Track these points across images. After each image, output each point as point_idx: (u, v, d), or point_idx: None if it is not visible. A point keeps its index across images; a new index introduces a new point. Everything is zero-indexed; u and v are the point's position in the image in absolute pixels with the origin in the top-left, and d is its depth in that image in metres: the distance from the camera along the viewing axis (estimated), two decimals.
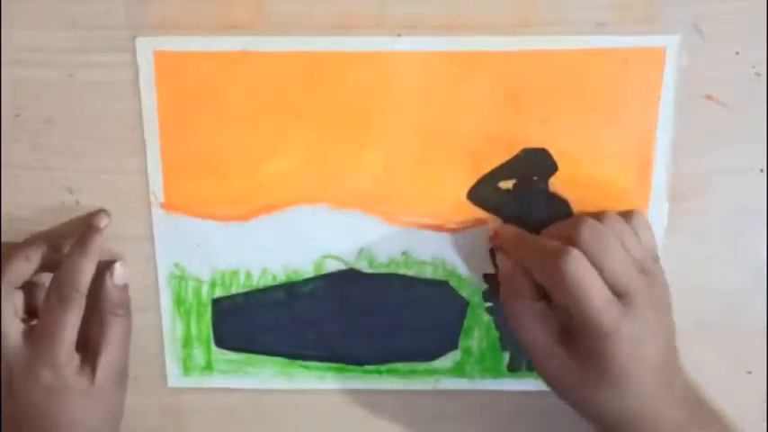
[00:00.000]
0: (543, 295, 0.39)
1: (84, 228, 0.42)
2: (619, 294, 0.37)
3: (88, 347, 0.41)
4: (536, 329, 0.39)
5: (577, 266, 0.36)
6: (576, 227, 0.37)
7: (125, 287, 0.42)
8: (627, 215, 0.39)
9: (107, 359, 0.41)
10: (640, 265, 0.38)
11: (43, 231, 0.43)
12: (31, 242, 0.42)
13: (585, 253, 0.36)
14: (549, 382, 0.40)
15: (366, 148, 0.42)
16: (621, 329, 0.36)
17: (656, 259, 0.39)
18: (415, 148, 0.42)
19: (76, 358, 0.40)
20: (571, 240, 0.37)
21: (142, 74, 0.41)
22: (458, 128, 0.41)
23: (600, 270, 0.36)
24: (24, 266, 0.41)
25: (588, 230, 0.37)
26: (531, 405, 0.46)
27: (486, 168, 0.42)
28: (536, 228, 0.42)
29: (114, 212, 0.43)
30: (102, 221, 0.42)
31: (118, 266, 0.42)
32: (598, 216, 0.38)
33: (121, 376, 0.42)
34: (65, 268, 0.40)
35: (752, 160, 0.42)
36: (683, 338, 0.45)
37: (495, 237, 0.42)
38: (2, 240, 0.43)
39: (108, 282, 0.42)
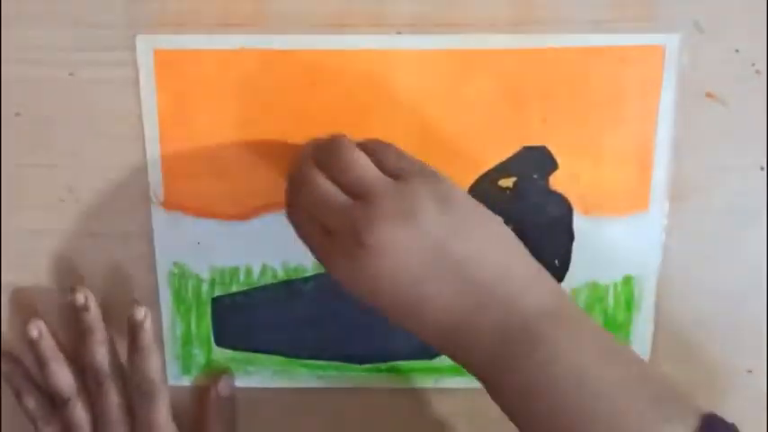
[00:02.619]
0: None
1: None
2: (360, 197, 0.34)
3: None
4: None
5: (308, 170, 0.35)
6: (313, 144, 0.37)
7: None
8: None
9: None
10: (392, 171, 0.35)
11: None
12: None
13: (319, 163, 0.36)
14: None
15: None
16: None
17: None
18: (414, 147, 0.41)
19: None
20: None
21: (142, 72, 0.41)
22: (457, 126, 0.41)
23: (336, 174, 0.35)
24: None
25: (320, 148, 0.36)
26: None
27: (486, 166, 0.42)
28: (536, 227, 0.42)
29: (114, 211, 0.43)
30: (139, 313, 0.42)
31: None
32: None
33: None
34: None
35: (752, 158, 0.42)
36: (684, 337, 0.45)
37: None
38: (1, 242, 0.44)
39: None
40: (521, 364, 0.33)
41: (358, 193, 0.34)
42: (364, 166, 0.35)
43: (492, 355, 0.34)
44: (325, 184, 0.35)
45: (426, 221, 0.33)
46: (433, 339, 0.35)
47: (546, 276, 0.36)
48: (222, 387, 0.45)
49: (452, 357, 0.36)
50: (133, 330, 0.42)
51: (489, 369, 0.34)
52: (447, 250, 0.33)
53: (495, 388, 0.35)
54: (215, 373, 0.45)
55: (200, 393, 0.46)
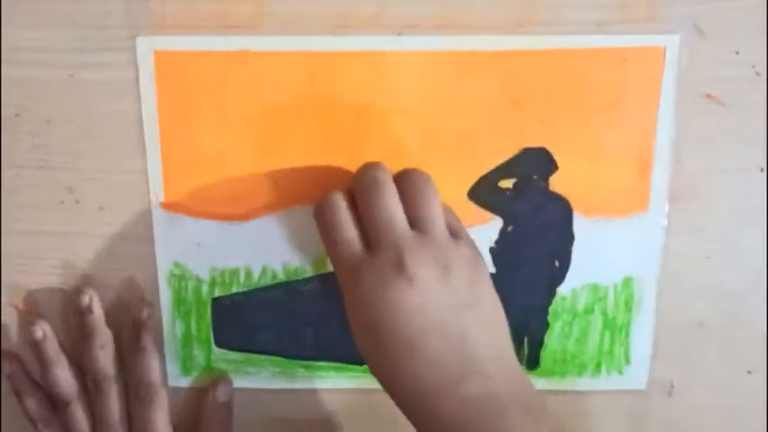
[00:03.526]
0: None
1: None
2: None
3: None
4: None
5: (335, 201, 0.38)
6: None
7: None
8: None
9: None
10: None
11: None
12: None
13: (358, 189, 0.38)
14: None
15: (366, 148, 0.42)
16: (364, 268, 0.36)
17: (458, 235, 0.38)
18: (414, 148, 0.42)
19: None
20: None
21: (142, 74, 0.41)
22: (458, 127, 0.41)
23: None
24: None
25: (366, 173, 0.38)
26: None
27: (486, 168, 0.42)
28: (536, 228, 0.42)
29: (114, 212, 0.43)
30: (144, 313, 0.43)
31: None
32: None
33: None
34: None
35: (752, 160, 0.42)
36: (684, 338, 0.45)
37: None
38: (1, 242, 0.44)
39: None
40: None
41: (422, 226, 0.37)
42: (440, 214, 0.37)
43: (459, 421, 0.34)
44: (397, 202, 0.37)
45: (459, 282, 0.36)
46: (405, 387, 0.36)
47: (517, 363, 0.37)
48: (220, 393, 0.45)
49: (408, 411, 0.36)
50: (136, 330, 0.42)
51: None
52: (463, 315, 0.35)
53: None
54: (213, 377, 0.45)
55: (199, 395, 0.46)
